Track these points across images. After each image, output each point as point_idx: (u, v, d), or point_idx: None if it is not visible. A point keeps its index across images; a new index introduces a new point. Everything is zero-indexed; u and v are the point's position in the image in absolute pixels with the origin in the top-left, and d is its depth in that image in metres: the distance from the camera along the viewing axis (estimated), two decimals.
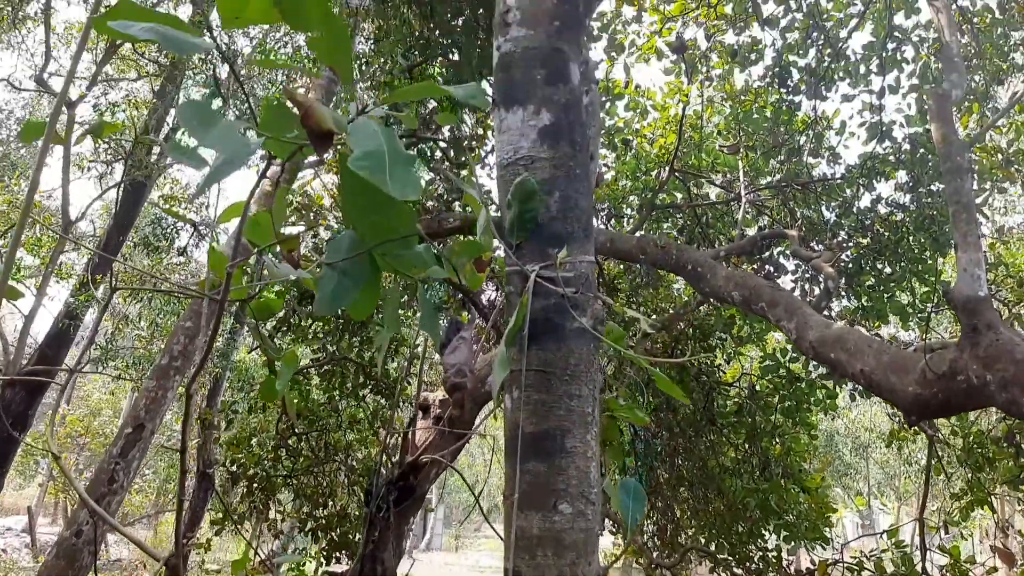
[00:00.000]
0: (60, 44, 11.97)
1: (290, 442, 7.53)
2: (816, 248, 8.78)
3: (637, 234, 8.97)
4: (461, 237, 7.70)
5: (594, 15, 7.01)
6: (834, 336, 4.34)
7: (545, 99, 1.35)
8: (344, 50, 1.21)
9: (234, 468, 7.23)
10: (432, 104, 9.99)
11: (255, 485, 7.17)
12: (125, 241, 11.67)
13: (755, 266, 8.95)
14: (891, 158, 7.97)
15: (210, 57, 9.97)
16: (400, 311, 7.72)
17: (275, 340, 7.55)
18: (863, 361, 3.97)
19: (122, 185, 10.21)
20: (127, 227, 11.19)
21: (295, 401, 7.39)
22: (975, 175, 7.48)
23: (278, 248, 1.52)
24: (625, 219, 10.04)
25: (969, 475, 7.17)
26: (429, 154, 10.10)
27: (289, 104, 1.20)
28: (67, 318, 10.79)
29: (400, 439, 6.43)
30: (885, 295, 8.27)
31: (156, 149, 10.07)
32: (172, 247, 12.48)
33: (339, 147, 1.24)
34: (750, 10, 7.89)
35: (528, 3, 1.38)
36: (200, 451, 10.59)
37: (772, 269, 8.76)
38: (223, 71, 11.98)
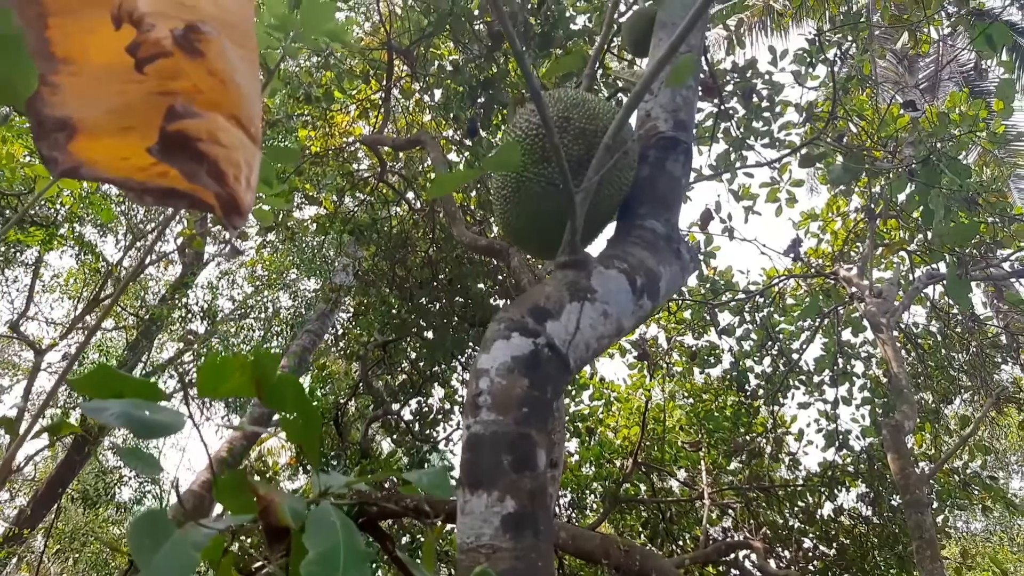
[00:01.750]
0: (43, 291, 12.32)
1: None
2: (782, 555, 8.54)
3: (599, 528, 8.69)
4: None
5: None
6: None
7: (510, 485, 1.34)
8: (314, 433, 1.22)
9: None
10: (403, 376, 10.18)
11: None
12: (64, 492, 10.99)
13: (719, 569, 8.61)
14: (850, 468, 8.07)
15: (188, 315, 10.25)
16: None
17: None
18: None
19: (72, 437, 9.89)
20: (69, 478, 10.62)
21: None
22: (935, 498, 7.54)
23: None
24: (588, 508, 9.81)
25: None
26: (394, 424, 10.08)
27: (250, 487, 1.17)
28: None
29: None
30: None
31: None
32: (112, 501, 11.76)
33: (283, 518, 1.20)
34: (707, 318, 8.45)
35: (499, 389, 1.43)
36: None
37: (738, 573, 8.43)
38: (200, 327, 12.26)
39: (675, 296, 8.94)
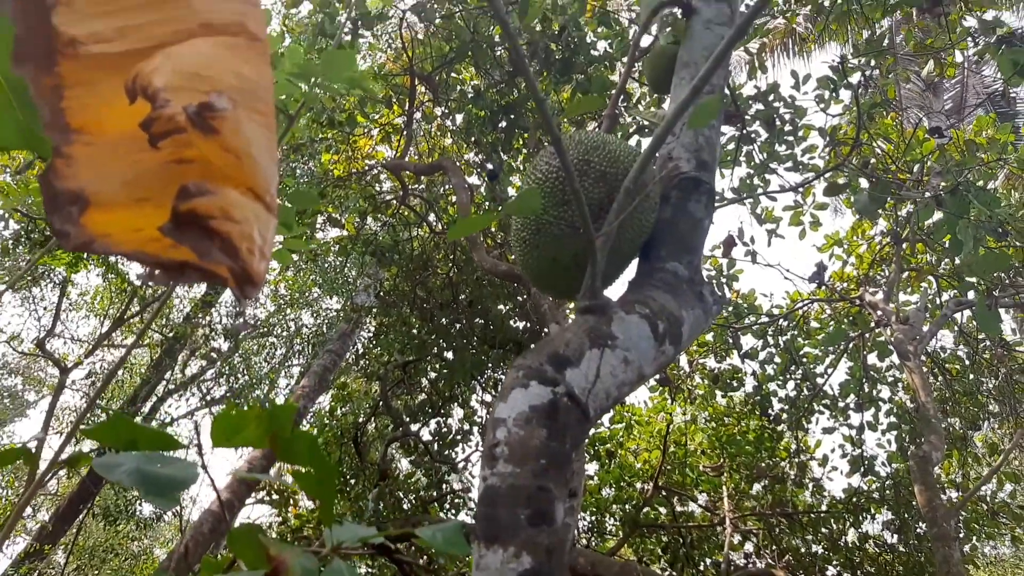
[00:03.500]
0: (70, 308, 12.50)
1: None
2: None
3: (619, 553, 8.58)
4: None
5: None
6: None
7: (527, 541, 1.32)
8: (329, 486, 1.21)
9: None
10: (423, 396, 10.18)
11: None
12: (86, 509, 11.09)
13: None
14: (875, 494, 7.91)
15: (211, 333, 10.33)
16: None
17: None
18: None
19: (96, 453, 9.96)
20: (92, 495, 10.71)
21: None
22: (962, 527, 7.36)
23: None
24: (607, 532, 9.71)
25: None
26: (413, 445, 10.07)
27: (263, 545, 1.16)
28: None
29: None
30: None
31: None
32: (132, 518, 11.83)
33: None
34: (730, 341, 8.36)
35: (516, 440, 1.41)
36: None
37: None
38: (223, 345, 12.36)
39: None
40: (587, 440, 9.32)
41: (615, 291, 1.93)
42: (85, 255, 8.05)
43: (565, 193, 1.79)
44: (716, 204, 2.23)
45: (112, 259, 9.80)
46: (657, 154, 2.09)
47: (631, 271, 1.94)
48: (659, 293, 1.76)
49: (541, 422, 1.41)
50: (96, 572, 10.98)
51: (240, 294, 0.77)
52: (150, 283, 0.69)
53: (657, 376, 7.80)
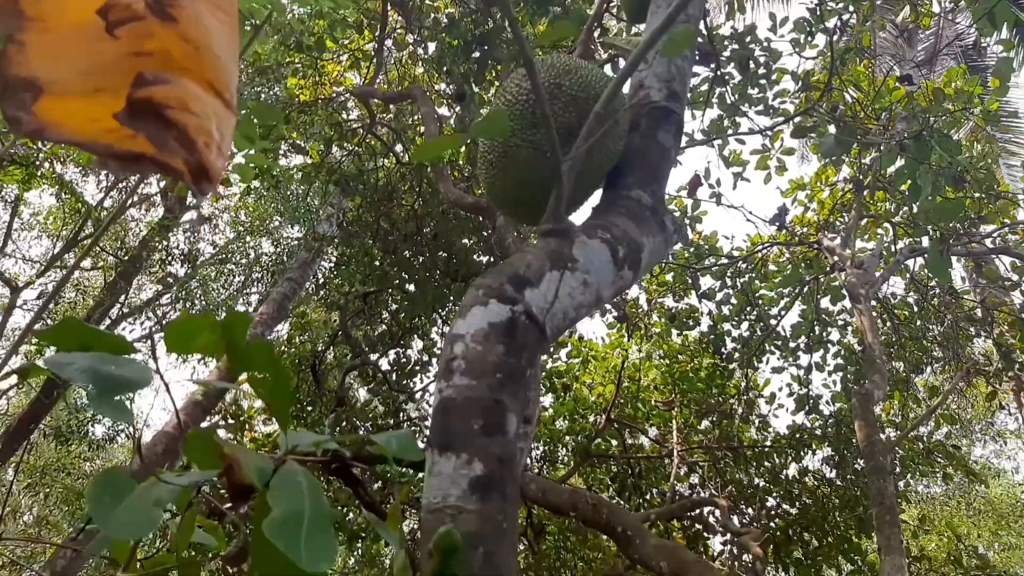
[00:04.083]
0: (22, 228, 12.10)
1: None
2: (745, 512, 8.77)
3: (570, 481, 8.85)
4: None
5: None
6: None
7: (480, 449, 1.35)
8: (284, 393, 1.22)
9: None
10: (383, 327, 10.19)
11: None
12: (35, 428, 10.99)
13: (684, 523, 8.84)
14: (818, 431, 8.25)
15: (168, 258, 10.14)
16: None
17: None
18: None
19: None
20: (42, 415, 10.60)
21: None
22: (898, 464, 7.75)
23: None
24: (559, 461, 9.99)
25: None
26: (371, 374, 10.13)
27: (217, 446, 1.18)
28: None
29: None
30: (812, 570, 8.18)
31: None
32: (84, 439, 11.77)
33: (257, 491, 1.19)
34: (689, 281, 8.49)
35: (474, 355, 1.43)
36: None
37: (701, 528, 8.67)
38: (179, 270, 12.15)
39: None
40: (543, 373, 9.50)
41: (579, 217, 1.94)
42: (38, 172, 7.77)
43: (534, 116, 1.77)
44: (685, 145, 2.24)
45: (66, 178, 9.47)
46: (629, 82, 2.08)
47: (596, 199, 1.95)
48: (622, 219, 1.78)
49: (499, 339, 1.44)
50: (48, 490, 10.98)
51: (196, 190, 0.76)
52: (103, 171, 0.68)
53: (616, 313, 7.93)
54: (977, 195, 7.20)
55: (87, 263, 11.93)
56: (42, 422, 10.56)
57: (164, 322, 11.54)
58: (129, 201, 10.33)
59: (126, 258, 10.85)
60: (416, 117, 9.08)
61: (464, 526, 1.26)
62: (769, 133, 7.55)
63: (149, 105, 0.68)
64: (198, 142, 0.69)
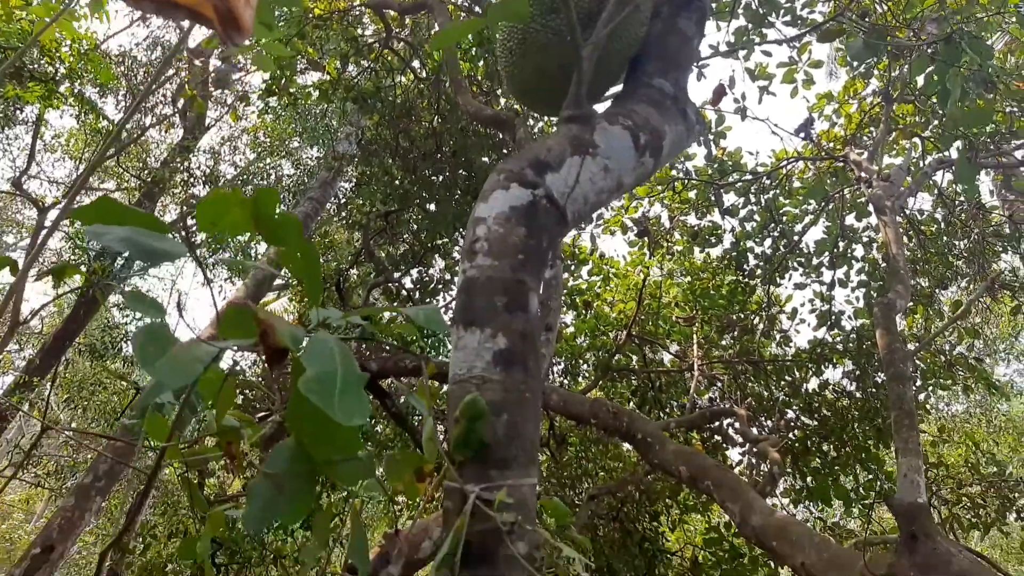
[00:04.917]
0: (45, 151, 12.18)
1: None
2: (764, 424, 8.92)
3: (590, 394, 9.02)
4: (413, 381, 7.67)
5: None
6: (777, 525, 4.32)
7: (503, 325, 1.39)
8: (314, 270, 1.26)
9: None
10: (405, 246, 10.27)
11: None
12: (71, 345, 11.34)
13: (703, 435, 9.02)
14: (839, 346, 8.28)
15: (190, 179, 10.19)
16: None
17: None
18: (804, 554, 3.94)
19: (78, 292, 10.08)
20: (76, 332, 10.93)
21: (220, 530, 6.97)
22: (918, 376, 7.77)
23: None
24: (580, 376, 10.16)
25: None
26: (394, 292, 10.27)
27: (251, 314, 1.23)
28: None
29: None
30: (829, 478, 8.34)
31: (119, 261, 10.05)
32: (119, 355, 12.14)
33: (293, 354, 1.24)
34: (712, 198, 8.40)
35: (496, 236, 1.45)
36: None
37: (720, 439, 8.84)
38: (202, 192, 12.22)
39: (681, 175, 8.87)
40: (564, 291, 9.56)
41: (602, 107, 1.92)
42: (58, 88, 7.75)
43: (554, 0, 1.74)
44: (710, 55, 2.19)
45: (86, 97, 9.47)
46: None
47: (617, 88, 1.93)
48: (643, 107, 1.77)
49: (520, 221, 1.46)
50: (85, 404, 11.42)
51: (226, 38, 0.78)
52: (136, 9, 0.69)
53: (637, 229, 7.89)
54: (1009, 108, 6.97)
55: (111, 185, 12.04)
56: (76, 339, 10.89)
57: (190, 220, 11.67)
58: (149, 121, 10.33)
59: (149, 179, 10.92)
60: (434, 31, 8.87)
61: (489, 395, 1.31)
62: (796, 44, 7.31)
63: None
64: None
